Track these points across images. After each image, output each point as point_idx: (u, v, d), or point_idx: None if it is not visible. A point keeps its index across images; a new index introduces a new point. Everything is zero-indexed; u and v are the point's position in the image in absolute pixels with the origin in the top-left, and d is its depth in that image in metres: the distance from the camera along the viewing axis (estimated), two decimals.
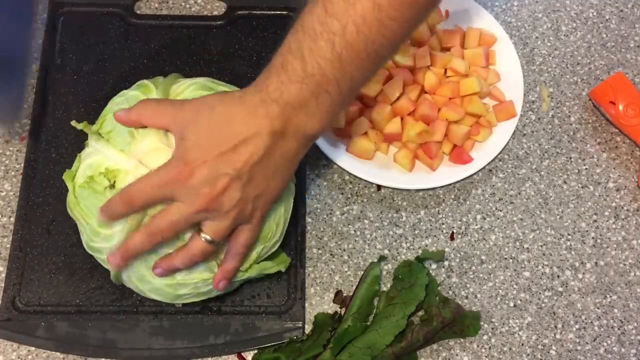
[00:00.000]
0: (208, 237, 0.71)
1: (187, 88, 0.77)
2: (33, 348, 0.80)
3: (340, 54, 0.66)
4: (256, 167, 0.69)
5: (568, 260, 0.86)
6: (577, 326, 0.83)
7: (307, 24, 0.67)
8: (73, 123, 0.81)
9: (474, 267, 0.85)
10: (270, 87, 0.68)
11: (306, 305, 0.83)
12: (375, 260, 0.85)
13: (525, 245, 0.87)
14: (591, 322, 0.83)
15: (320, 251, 0.86)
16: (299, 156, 0.73)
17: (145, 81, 0.79)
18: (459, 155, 0.89)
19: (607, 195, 0.90)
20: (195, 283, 0.75)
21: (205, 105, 0.70)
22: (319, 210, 0.88)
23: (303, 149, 0.72)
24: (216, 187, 0.68)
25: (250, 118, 0.68)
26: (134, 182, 0.70)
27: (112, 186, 0.73)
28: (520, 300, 0.84)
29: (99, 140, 0.75)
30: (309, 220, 0.87)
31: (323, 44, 0.66)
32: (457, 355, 0.81)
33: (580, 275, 0.86)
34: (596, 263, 0.86)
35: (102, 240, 0.74)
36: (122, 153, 0.73)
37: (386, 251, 0.86)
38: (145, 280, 0.75)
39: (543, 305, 0.84)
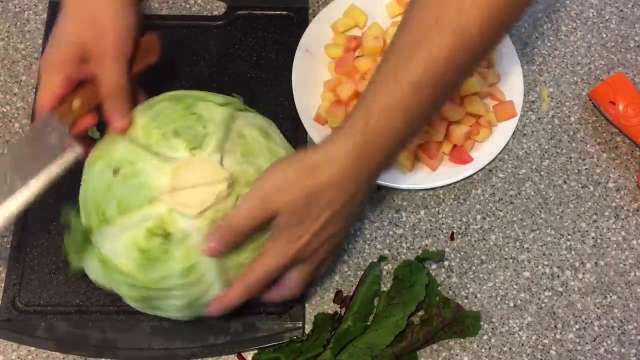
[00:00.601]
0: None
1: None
2: (33, 348, 0.80)
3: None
4: (340, 216, 0.73)
5: (568, 260, 0.86)
6: (577, 326, 0.83)
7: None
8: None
9: (474, 267, 0.85)
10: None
11: (306, 305, 0.83)
12: (375, 260, 0.85)
13: (525, 245, 0.87)
14: (591, 322, 0.83)
15: None
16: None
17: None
18: (459, 155, 0.89)
19: (607, 195, 0.90)
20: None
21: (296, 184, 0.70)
22: None
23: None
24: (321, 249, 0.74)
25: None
26: (251, 273, 0.72)
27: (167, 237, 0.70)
28: (520, 300, 0.84)
29: (112, 226, 0.71)
30: None
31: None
32: (457, 355, 0.81)
33: (580, 275, 0.86)
34: (596, 263, 0.86)
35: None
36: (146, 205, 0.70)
37: (386, 251, 0.86)
38: None
39: (543, 305, 0.84)
